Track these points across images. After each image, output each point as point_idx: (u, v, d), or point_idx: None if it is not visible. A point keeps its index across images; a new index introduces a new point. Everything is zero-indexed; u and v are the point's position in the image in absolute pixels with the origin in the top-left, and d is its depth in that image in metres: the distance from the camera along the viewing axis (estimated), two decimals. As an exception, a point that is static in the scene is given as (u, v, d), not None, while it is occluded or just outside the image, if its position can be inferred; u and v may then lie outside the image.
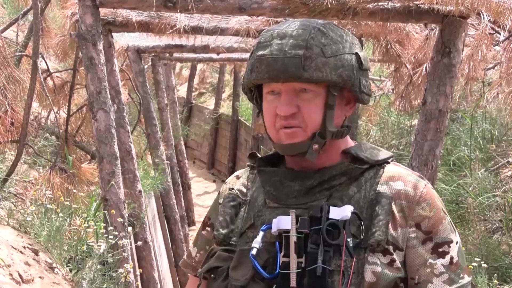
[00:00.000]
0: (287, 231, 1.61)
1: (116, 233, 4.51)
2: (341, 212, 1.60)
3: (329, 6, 4.18)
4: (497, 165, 6.11)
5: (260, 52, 1.64)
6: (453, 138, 7.13)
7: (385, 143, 8.65)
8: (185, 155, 14.55)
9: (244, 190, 1.81)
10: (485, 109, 7.02)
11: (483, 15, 4.67)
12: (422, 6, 4.40)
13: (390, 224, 1.62)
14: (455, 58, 4.52)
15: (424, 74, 5.87)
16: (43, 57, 6.39)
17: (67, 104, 6.40)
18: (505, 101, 5.44)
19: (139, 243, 5.63)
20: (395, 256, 1.61)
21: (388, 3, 4.39)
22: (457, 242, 1.67)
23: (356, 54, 1.66)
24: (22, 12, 6.80)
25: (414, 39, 6.11)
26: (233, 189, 1.82)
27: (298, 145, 1.65)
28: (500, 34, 5.15)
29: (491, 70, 6.80)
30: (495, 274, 4.29)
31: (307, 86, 1.62)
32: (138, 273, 5.73)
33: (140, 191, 6.39)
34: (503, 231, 5.23)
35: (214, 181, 18.61)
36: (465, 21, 4.49)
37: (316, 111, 1.64)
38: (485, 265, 4.19)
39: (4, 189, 4.92)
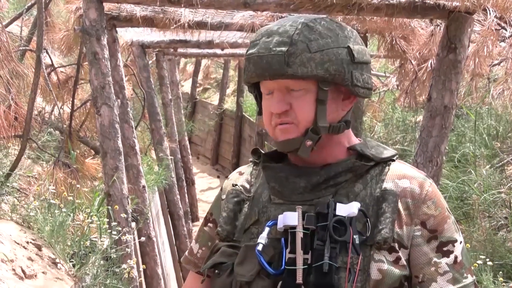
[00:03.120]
0: (293, 227, 1.60)
1: (120, 228, 4.51)
2: (347, 209, 1.60)
3: (334, 1, 4.16)
4: (502, 162, 6.09)
5: (250, 51, 1.66)
6: (458, 135, 7.11)
7: (390, 139, 8.64)
8: (189, 150, 14.55)
9: (247, 186, 1.81)
10: (491, 105, 6.99)
11: (489, 10, 4.64)
12: (428, 1, 4.38)
13: (395, 222, 1.62)
14: (460, 54, 4.50)
15: (429, 70, 5.84)
16: (47, 52, 6.38)
17: (71, 99, 6.40)
18: (511, 97, 5.42)
19: (143, 238, 5.62)
20: (400, 254, 1.61)
21: (393, -2, 4.37)
22: (461, 242, 1.67)
23: (348, 47, 1.64)
24: (26, 7, 6.82)
25: (420, 35, 6.09)
26: (236, 185, 1.81)
27: (292, 141, 1.65)
28: (506, 30, 5.13)
29: (497, 66, 6.77)
30: (500, 272, 4.28)
31: (296, 83, 1.62)
32: (141, 268, 5.72)
33: (143, 187, 6.38)
34: (508, 228, 5.21)
35: (218, 177, 18.61)
36: (471, 17, 4.46)
37: (307, 107, 1.63)
38: (490, 263, 4.17)
39: (8, 184, 4.91)
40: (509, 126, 6.72)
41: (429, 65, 5.94)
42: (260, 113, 1.76)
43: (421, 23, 6.01)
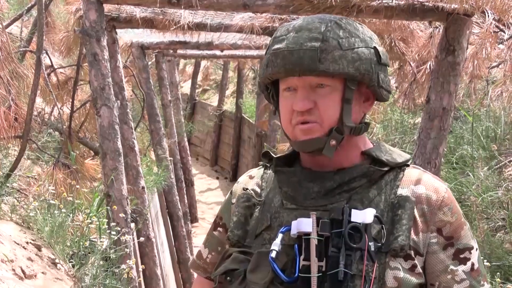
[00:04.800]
0: (308, 234, 1.56)
1: (119, 229, 4.52)
2: (363, 215, 1.56)
3: (333, 3, 4.18)
4: (500, 164, 6.10)
5: (276, 46, 1.61)
6: (457, 137, 7.11)
7: (389, 140, 8.64)
8: (188, 151, 14.56)
9: (258, 190, 1.77)
10: (489, 107, 7.00)
11: (487, 13, 4.65)
12: (427, 3, 4.39)
13: (411, 229, 1.58)
14: (459, 56, 4.51)
15: (428, 72, 5.85)
16: (47, 53, 6.39)
17: (70, 100, 6.40)
18: (509, 99, 5.43)
19: (142, 239, 5.64)
20: (416, 261, 1.58)
21: (392, 0, 4.39)
22: (476, 249, 1.64)
23: (375, 48, 1.63)
24: (26, 8, 6.83)
25: (418, 37, 6.10)
26: (247, 188, 1.77)
27: (315, 141, 1.60)
28: (504, 32, 5.14)
29: (495, 69, 6.78)
30: (498, 273, 4.29)
31: (323, 80, 1.59)
32: (140, 269, 5.73)
33: (143, 187, 6.39)
34: (506, 230, 5.22)
35: (217, 178, 18.62)
36: (469, 19, 4.48)
37: (333, 106, 1.60)
38: (487, 264, 4.19)
39: (7, 185, 4.92)
40: (507, 128, 6.73)
41: (427, 67, 5.94)
42: (275, 112, 1.72)
43: (420, 25, 6.02)
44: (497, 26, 5.03)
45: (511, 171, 5.92)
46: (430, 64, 5.83)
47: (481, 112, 7.20)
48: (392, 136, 8.72)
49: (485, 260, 4.21)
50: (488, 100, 6.60)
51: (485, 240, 5.03)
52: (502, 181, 5.74)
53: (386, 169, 1.65)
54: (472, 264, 1.61)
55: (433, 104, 4.56)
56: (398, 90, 7.55)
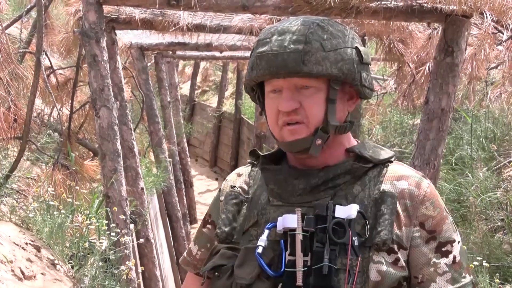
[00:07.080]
0: (293, 230, 1.60)
1: (118, 230, 4.52)
2: (346, 211, 1.60)
3: (332, 4, 4.18)
4: (499, 165, 6.10)
5: (260, 49, 1.64)
6: (456, 138, 7.12)
7: (388, 142, 8.65)
8: (187, 152, 14.55)
9: (245, 187, 1.81)
10: (488, 108, 7.01)
11: (486, 14, 4.67)
12: (425, 5, 4.40)
13: (394, 223, 1.62)
14: (458, 58, 4.52)
15: (427, 73, 5.86)
16: (46, 54, 6.40)
17: (70, 101, 6.41)
18: (508, 100, 5.45)
19: (141, 240, 5.64)
20: (399, 255, 1.62)
21: (391, 2, 4.39)
22: (459, 242, 1.68)
23: (356, 48, 1.66)
24: (26, 9, 6.84)
25: (417, 38, 6.11)
26: (235, 186, 1.81)
27: (301, 141, 1.64)
28: (503, 33, 5.15)
29: (494, 70, 6.79)
30: (497, 274, 4.29)
31: (307, 81, 1.62)
32: (140, 270, 5.73)
33: (142, 189, 6.39)
34: (505, 231, 5.22)
35: (217, 179, 18.62)
36: (468, 21, 4.49)
37: (317, 106, 1.63)
38: (486, 264, 4.19)
39: (7, 186, 4.93)
40: (506, 129, 6.74)
41: (426, 68, 5.95)
42: (261, 113, 1.76)
43: (419, 26, 6.03)
44: (495, 27, 5.05)
45: (510, 171, 5.93)
46: (429, 65, 5.84)
47: (480, 113, 7.21)
48: (391, 137, 8.73)
49: (484, 261, 4.21)
50: (487, 101, 6.60)
51: (484, 241, 5.03)
52: (501, 182, 5.75)
53: (369, 165, 1.69)
54: (454, 257, 1.65)
55: (432, 105, 4.57)
56: (397, 91, 7.56)
